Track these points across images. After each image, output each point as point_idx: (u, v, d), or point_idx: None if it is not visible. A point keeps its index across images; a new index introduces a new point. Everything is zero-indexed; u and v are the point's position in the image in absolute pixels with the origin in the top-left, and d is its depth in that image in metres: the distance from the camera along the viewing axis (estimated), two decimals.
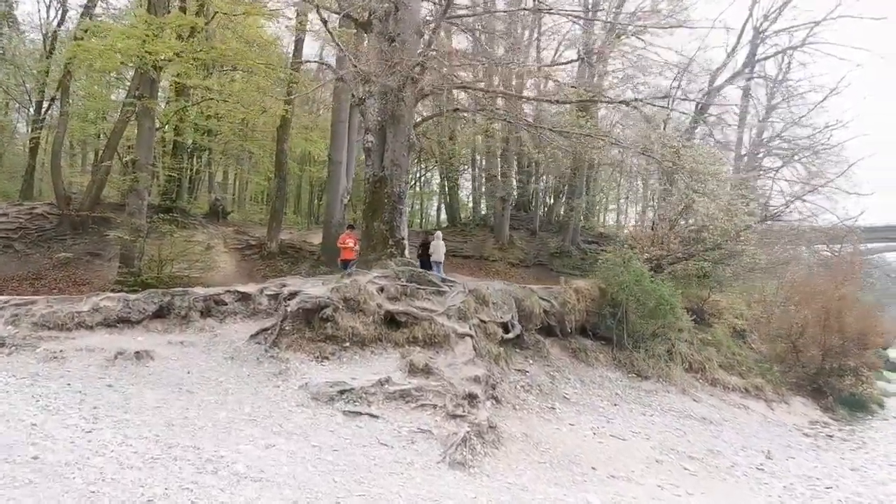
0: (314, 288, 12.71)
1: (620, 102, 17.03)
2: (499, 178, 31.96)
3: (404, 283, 12.80)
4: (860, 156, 41.26)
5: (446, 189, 38.66)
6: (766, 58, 33.78)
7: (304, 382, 9.77)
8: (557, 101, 16.50)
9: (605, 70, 27.86)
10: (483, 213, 36.85)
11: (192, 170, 29.62)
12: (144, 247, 17.52)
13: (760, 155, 34.76)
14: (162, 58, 16.98)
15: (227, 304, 12.68)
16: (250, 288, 13.29)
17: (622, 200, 46.77)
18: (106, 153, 21.87)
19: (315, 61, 23.49)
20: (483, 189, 36.67)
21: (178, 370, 10.03)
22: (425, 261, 17.25)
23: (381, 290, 12.49)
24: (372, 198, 17.02)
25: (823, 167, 30.69)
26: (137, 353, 10.21)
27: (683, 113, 31.53)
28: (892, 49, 32.20)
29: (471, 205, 39.27)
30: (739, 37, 32.33)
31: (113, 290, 13.94)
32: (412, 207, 48.95)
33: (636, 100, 17.10)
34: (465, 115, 19.83)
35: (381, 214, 16.71)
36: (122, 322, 11.51)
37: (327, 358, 11.01)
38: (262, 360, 10.77)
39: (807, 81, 32.85)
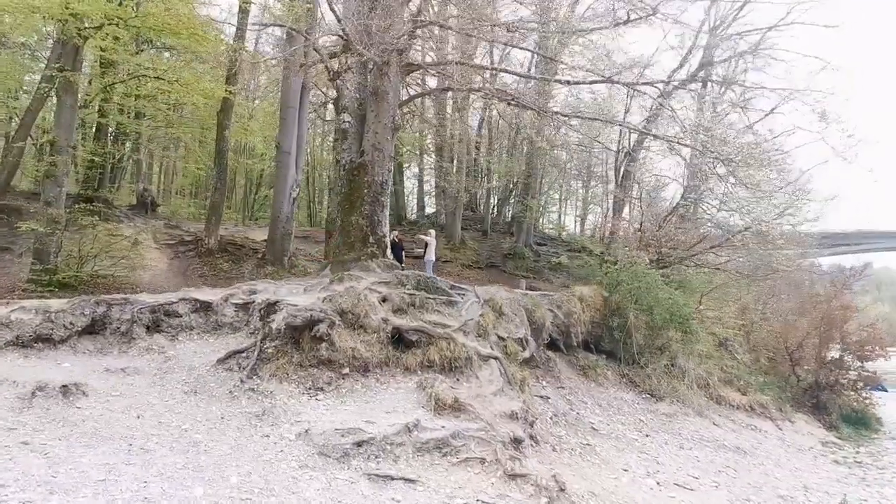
0: (296, 296, 10.10)
1: (627, 85, 15.01)
2: (453, 175, 29.97)
3: (411, 292, 10.31)
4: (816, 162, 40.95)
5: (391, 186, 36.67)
6: (720, 61, 32.72)
7: (304, 429, 7.18)
8: (568, 83, 14.34)
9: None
10: (429, 212, 35.04)
11: (114, 157, 26.45)
12: (62, 241, 15.05)
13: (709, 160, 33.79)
14: (87, 25, 14.55)
15: (180, 316, 9.89)
16: (211, 295, 10.52)
17: (565, 202, 46.28)
18: (19, 133, 18.58)
19: (269, 25, 20.41)
20: (433, 187, 35.09)
21: (123, 413, 7.23)
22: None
23: (384, 299, 9.98)
24: (349, 188, 14.46)
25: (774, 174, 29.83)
26: (65, 387, 7.33)
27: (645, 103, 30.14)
28: (849, 58, 31.73)
29: (414, 203, 37.46)
30: (695, 39, 31.08)
31: (24, 291, 10.96)
32: None
33: (645, 83, 15.11)
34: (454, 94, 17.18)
35: (360, 207, 14.19)
36: (41, 341, 8.56)
37: (322, 389, 8.45)
38: (238, 394, 8.08)
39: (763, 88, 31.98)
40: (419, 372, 9.12)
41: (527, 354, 11.58)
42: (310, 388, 8.41)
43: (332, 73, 15.14)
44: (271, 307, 9.53)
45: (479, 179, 34.24)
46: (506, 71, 14.37)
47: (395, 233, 19.21)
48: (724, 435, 13.47)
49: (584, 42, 15.53)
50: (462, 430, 7.51)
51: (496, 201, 37.09)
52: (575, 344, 14.64)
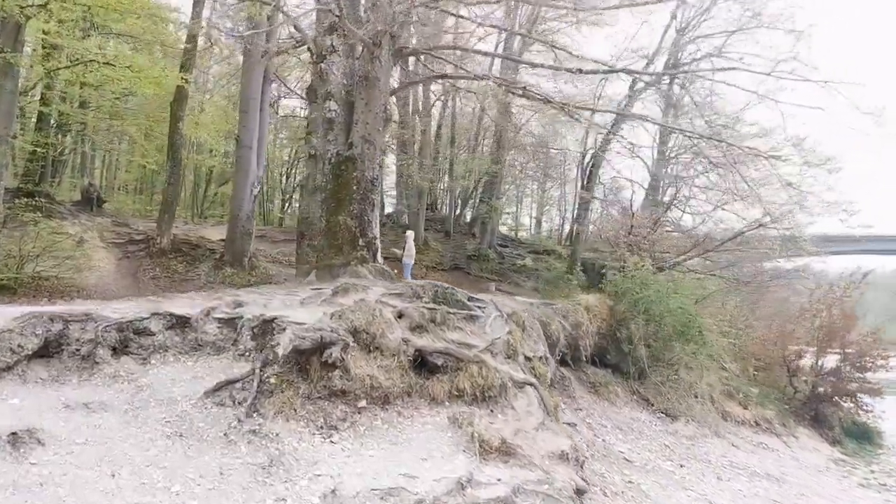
0: (293, 310, 8.51)
1: (641, 73, 13.85)
2: (416, 172, 28.77)
3: (431, 306, 8.84)
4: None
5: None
6: (683, 65, 32.12)
7: (330, 488, 5.65)
8: (580, 72, 13.03)
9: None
10: (388, 210, 34.02)
11: (57, 149, 24.45)
12: (0, 240, 14.11)
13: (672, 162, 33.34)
14: (30, 3, 13.34)
15: (153, 335, 8.16)
16: (187, 307, 8.80)
17: (520, 203, 46.02)
18: None
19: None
20: (393, 185, 34.20)
21: (92, 470, 5.56)
22: None
23: (400, 315, 8.47)
24: (336, 184, 12.94)
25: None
26: (14, 435, 5.63)
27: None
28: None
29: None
30: (661, 41, 30.30)
31: None
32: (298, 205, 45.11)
33: (656, 73, 13.98)
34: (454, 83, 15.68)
35: (349, 206, 12.71)
36: None
37: (336, 428, 6.92)
38: (235, 437, 6.47)
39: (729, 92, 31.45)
40: (447, 403, 7.70)
41: (550, 375, 10.27)
42: (322, 427, 6.87)
43: (315, 55, 13.52)
44: (267, 325, 7.92)
45: (442, 178, 33.53)
46: (508, 58, 12.94)
47: None
48: (747, 459, 12.47)
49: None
50: (521, 483, 6.12)
51: (458, 201, 36.43)
52: (583, 358, 13.45)
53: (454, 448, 6.73)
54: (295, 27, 13.42)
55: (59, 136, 23.66)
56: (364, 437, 6.95)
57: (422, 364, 8.04)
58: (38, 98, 21.87)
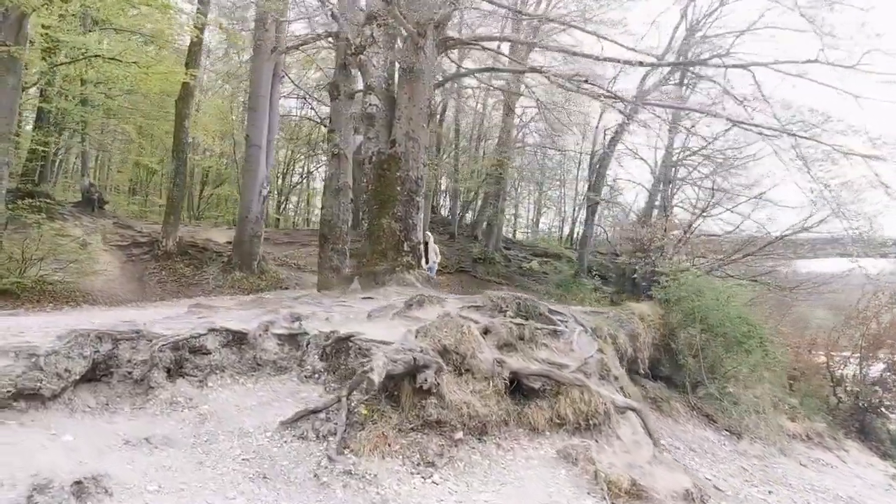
0: (363, 324, 7.62)
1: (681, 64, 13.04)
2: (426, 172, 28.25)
3: (518, 322, 7.95)
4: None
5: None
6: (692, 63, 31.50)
7: None
8: (642, 64, 12.20)
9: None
10: None
11: (58, 148, 23.73)
12: (2, 241, 14.12)
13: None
14: None
15: (209, 353, 7.21)
16: (243, 322, 7.86)
17: (518, 205, 45.83)
18: None
19: None
20: None
21: None
22: None
23: (486, 331, 7.58)
24: (378, 184, 12.05)
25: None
26: (79, 484, 4.69)
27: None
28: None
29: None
30: (670, 42, 29.65)
31: None
32: (297, 204, 44.59)
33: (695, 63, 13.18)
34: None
35: (392, 208, 11.82)
36: (24, 398, 5.78)
37: (433, 465, 6.00)
38: (328, 479, 5.53)
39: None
40: (548, 432, 6.81)
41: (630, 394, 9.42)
42: (419, 465, 5.96)
43: (354, 47, 12.60)
44: (342, 344, 7.00)
45: (443, 179, 33.36)
46: (562, 50, 12.08)
47: None
48: (820, 480, 11.68)
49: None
50: None
51: (461, 204, 36.01)
52: (641, 371, 12.62)
53: (576, 490, 5.84)
54: (332, 16, 12.45)
55: (58, 135, 22.79)
56: (465, 474, 6.05)
57: (516, 388, 7.15)
58: (39, 94, 21.16)
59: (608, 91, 11.41)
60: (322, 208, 16.22)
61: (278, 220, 37.50)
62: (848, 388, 17.67)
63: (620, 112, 17.53)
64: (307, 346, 7.38)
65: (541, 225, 48.58)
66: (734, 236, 18.46)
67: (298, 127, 37.89)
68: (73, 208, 22.18)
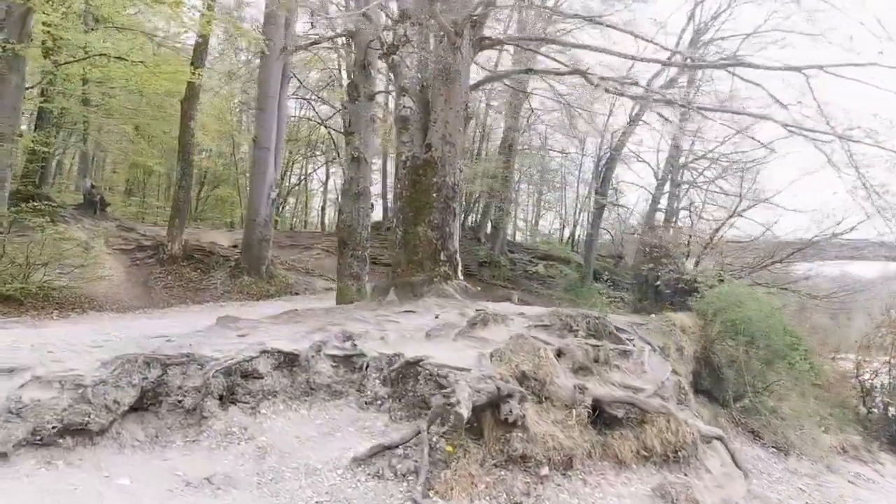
0: (422, 344, 7.04)
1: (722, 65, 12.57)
2: None
3: (594, 343, 7.41)
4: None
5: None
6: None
7: None
8: (686, 65, 11.69)
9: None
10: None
11: (59, 149, 23.19)
12: (5, 246, 13.52)
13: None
14: None
15: (261, 377, 6.62)
16: (293, 341, 7.27)
17: (517, 207, 45.52)
18: None
19: None
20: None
21: None
22: None
23: (559, 353, 7.03)
24: (413, 191, 11.48)
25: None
26: None
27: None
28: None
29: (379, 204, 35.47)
30: (677, 44, 29.17)
31: None
32: (294, 206, 44.12)
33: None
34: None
35: (429, 215, 11.26)
36: (70, 434, 5.18)
37: None
38: None
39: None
40: (634, 465, 6.27)
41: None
42: None
43: (386, 46, 12.06)
44: (409, 368, 6.42)
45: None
46: (607, 51, 11.55)
47: None
48: (870, 497, 11.25)
49: None
50: None
51: (464, 206, 35.66)
52: (685, 385, 12.09)
53: None
54: (364, 15, 11.87)
55: (58, 135, 22.21)
56: None
57: (597, 416, 6.60)
58: (40, 93, 20.59)
59: (661, 94, 10.89)
60: (341, 213, 15.66)
61: (276, 221, 36.98)
62: (878, 398, 17.28)
63: (633, 116, 17.11)
64: (366, 368, 6.79)
65: (540, 227, 48.19)
66: (766, 241, 18.00)
67: (297, 127, 37.32)
68: (74, 210, 21.54)
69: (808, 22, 13.16)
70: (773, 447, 11.86)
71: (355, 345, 7.16)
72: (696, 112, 11.17)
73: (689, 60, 13.29)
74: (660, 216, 28.53)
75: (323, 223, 40.88)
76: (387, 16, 13.19)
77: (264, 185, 20.73)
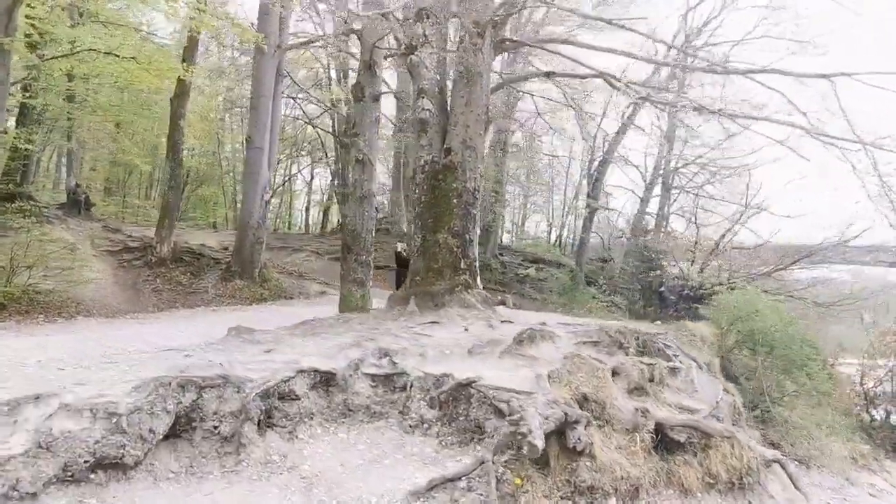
0: (465, 361, 6.62)
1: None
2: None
3: (648, 361, 7.04)
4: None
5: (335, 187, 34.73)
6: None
7: None
8: (715, 71, 11.40)
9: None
10: (379, 216, 32.87)
11: (41, 146, 22.50)
12: None
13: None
14: None
15: (297, 399, 6.15)
16: (329, 359, 6.79)
17: (504, 209, 45.18)
18: None
19: None
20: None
21: None
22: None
23: (614, 373, 6.65)
24: (432, 196, 11.05)
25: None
26: None
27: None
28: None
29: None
30: (669, 49, 29.12)
31: None
32: (278, 207, 43.59)
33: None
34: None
35: (449, 221, 10.84)
36: (103, 468, 4.68)
37: None
38: None
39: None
40: (699, 493, 5.92)
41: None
42: None
43: (405, 46, 11.61)
44: (461, 390, 5.99)
45: None
46: (632, 56, 11.24)
47: (403, 244, 16.43)
48: None
49: None
50: None
51: None
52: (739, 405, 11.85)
53: None
54: (382, 15, 11.40)
55: (40, 132, 21.39)
56: None
57: (659, 441, 6.23)
58: (22, 88, 19.76)
59: (689, 100, 10.59)
60: (345, 216, 15.16)
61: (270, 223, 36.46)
62: (882, 406, 17.25)
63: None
64: (410, 388, 6.35)
65: (526, 229, 47.91)
66: (772, 247, 17.86)
67: (282, 127, 36.70)
68: (57, 210, 20.76)
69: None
70: (794, 459, 11.62)
71: (394, 362, 6.71)
72: (726, 118, 10.90)
73: (705, 64, 13.02)
74: (649, 220, 28.43)
75: (307, 224, 40.14)
76: (395, 18, 12.74)
77: (258, 186, 20.17)
